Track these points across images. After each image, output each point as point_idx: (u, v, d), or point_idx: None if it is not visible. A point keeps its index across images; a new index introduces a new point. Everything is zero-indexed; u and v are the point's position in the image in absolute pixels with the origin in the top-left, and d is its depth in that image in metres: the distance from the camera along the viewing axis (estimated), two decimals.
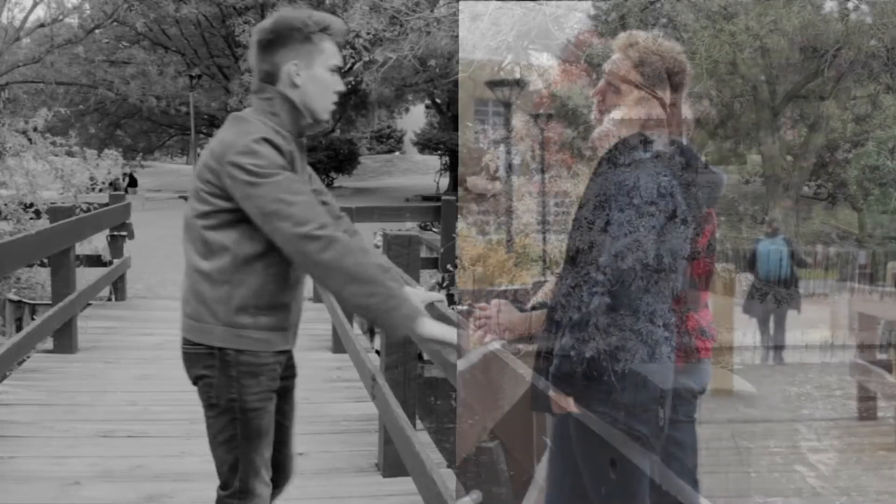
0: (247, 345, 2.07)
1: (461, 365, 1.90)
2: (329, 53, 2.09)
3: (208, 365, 2.08)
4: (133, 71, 29.45)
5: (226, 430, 2.12)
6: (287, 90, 2.07)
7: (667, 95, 1.93)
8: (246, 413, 2.10)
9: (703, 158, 1.97)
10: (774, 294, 5.02)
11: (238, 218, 1.98)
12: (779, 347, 5.09)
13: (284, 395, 2.25)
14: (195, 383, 2.15)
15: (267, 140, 1.97)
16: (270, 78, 2.08)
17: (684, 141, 1.95)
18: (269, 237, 1.94)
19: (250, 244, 2.01)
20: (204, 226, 2.03)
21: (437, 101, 29.59)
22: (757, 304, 5.16)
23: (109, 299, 8.27)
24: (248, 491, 2.14)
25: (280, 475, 2.33)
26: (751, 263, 5.20)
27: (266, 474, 2.18)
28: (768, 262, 5.02)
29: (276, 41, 2.06)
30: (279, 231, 1.91)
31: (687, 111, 2.00)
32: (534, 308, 2.09)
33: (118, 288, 8.27)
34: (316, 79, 2.08)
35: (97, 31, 28.70)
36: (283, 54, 2.06)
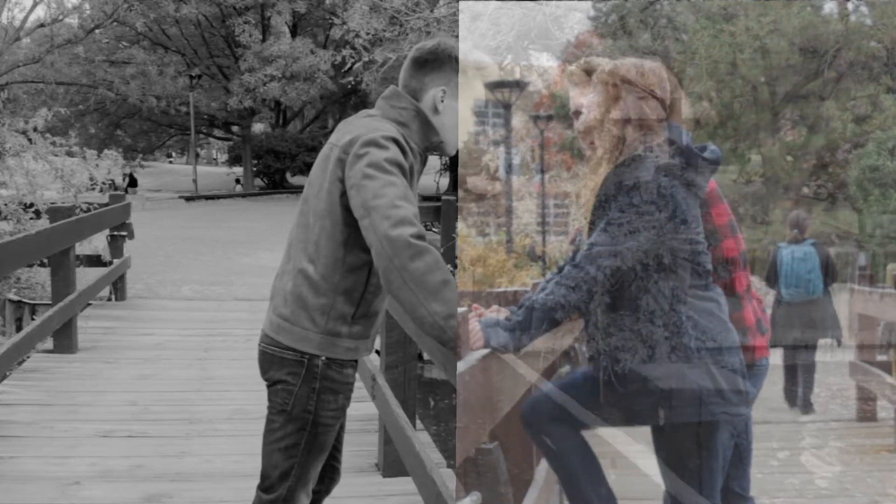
0: (339, 353, 2.06)
1: (461, 366, 1.90)
2: (478, 93, 2.14)
3: (293, 372, 2.06)
4: (133, 71, 29.47)
5: (289, 438, 2.10)
6: (426, 111, 2.09)
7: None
8: (316, 427, 2.09)
9: (689, 136, 1.97)
10: (805, 317, 3.95)
11: (354, 223, 1.94)
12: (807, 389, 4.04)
13: None
14: (270, 385, 2.13)
15: (396, 141, 1.97)
16: (414, 94, 2.10)
17: (683, 137, 1.96)
18: (364, 233, 1.88)
19: (358, 252, 2.00)
20: (325, 227, 2.00)
21: None
22: (784, 331, 3.98)
23: (109, 299, 8.27)
24: (291, 500, 2.13)
25: (333, 478, 2.36)
26: (770, 276, 4.03)
27: (312, 486, 2.18)
28: (794, 274, 3.93)
29: (432, 62, 2.09)
30: (375, 228, 1.83)
31: (686, 110, 2.01)
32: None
33: (118, 288, 8.28)
34: (455, 111, 2.10)
35: (97, 31, 28.73)
36: (434, 77, 2.08)
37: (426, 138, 2.10)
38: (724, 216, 2.09)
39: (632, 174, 1.91)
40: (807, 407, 3.98)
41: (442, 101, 2.08)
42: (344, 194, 1.96)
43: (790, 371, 4.04)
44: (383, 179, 1.88)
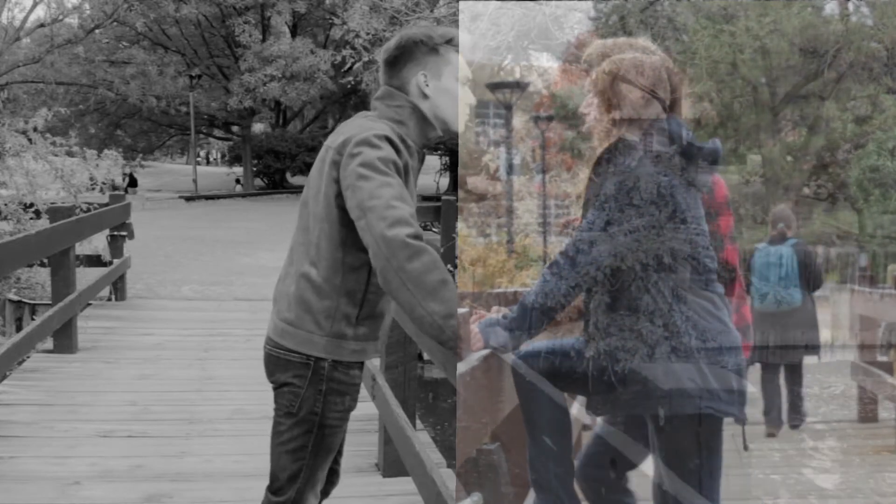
0: (345, 356, 2.06)
1: (462, 367, 1.90)
2: (457, 64, 2.09)
3: (299, 374, 2.06)
4: (133, 71, 29.47)
5: (297, 440, 2.09)
6: (418, 101, 2.07)
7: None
8: (323, 429, 2.09)
9: (689, 133, 1.97)
10: (777, 328, 3.47)
11: (350, 223, 1.93)
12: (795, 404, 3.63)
13: None
14: (276, 388, 2.13)
15: (389, 140, 1.95)
16: (401, 91, 2.09)
17: (684, 133, 1.96)
18: (360, 234, 1.87)
19: (356, 252, 1.98)
20: (323, 229, 2.00)
21: None
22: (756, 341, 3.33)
23: (109, 299, 8.27)
24: (301, 502, 2.13)
25: (332, 481, 2.36)
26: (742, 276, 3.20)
27: (319, 487, 2.18)
28: (763, 280, 3.45)
29: (402, 56, 2.08)
30: (371, 228, 1.82)
31: (687, 110, 2.01)
32: None
33: (118, 288, 8.28)
34: (446, 89, 2.08)
35: (97, 31, 28.74)
36: (410, 67, 2.07)
37: (424, 135, 2.09)
38: (730, 226, 2.10)
39: (622, 164, 1.91)
40: (796, 419, 3.58)
41: (427, 85, 2.07)
42: (339, 195, 1.96)
43: (767, 388, 3.59)
44: (379, 180, 1.87)
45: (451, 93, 2.08)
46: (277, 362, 2.10)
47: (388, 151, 1.93)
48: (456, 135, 2.18)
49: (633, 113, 1.95)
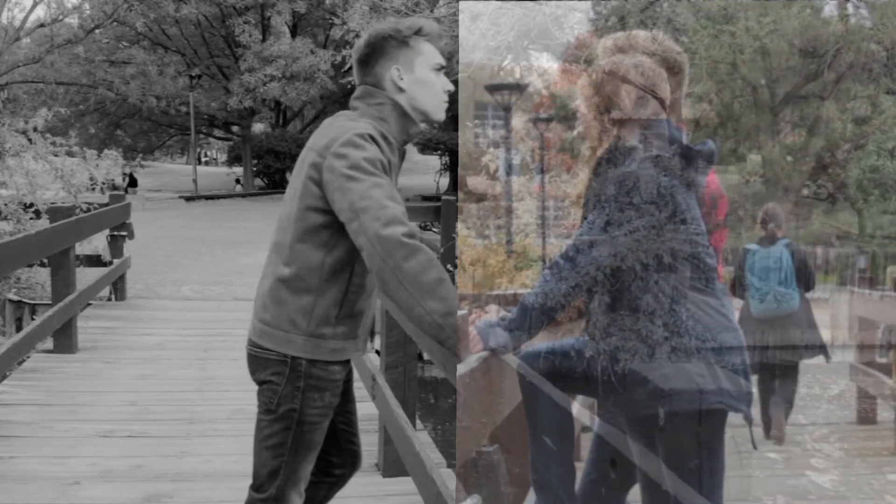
0: (323, 355, 2.06)
1: (461, 368, 1.90)
2: (429, 54, 2.09)
3: (277, 372, 2.07)
4: (133, 71, 29.49)
5: (276, 437, 2.11)
6: (395, 96, 2.07)
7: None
8: (302, 425, 2.09)
9: (685, 136, 1.97)
10: (780, 334, 3.38)
11: (333, 225, 1.94)
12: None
13: (345, 395, 2.27)
14: (259, 386, 2.15)
15: (373, 138, 1.95)
16: (377, 87, 2.09)
17: (683, 138, 1.96)
18: (352, 236, 1.86)
19: (339, 254, 1.99)
20: (298, 231, 2.00)
21: None
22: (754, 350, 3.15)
23: (109, 299, 8.28)
24: (282, 499, 2.14)
25: (354, 463, 2.37)
26: (736, 284, 3.39)
27: (303, 486, 2.18)
28: (764, 285, 3.36)
29: (373, 53, 2.08)
30: (365, 230, 1.81)
31: (686, 110, 2.01)
32: None
33: (118, 288, 8.28)
34: (421, 80, 2.07)
35: (97, 31, 28.76)
36: (382, 63, 2.07)
37: (405, 130, 2.09)
38: (723, 240, 2.10)
39: (622, 165, 1.91)
40: (779, 433, 3.44)
41: (402, 79, 2.07)
42: (318, 197, 1.95)
43: (763, 396, 3.50)
44: (368, 181, 1.86)
45: (426, 83, 2.08)
46: (257, 361, 2.12)
47: (373, 151, 1.93)
48: (438, 123, 2.18)
49: (632, 113, 1.95)
